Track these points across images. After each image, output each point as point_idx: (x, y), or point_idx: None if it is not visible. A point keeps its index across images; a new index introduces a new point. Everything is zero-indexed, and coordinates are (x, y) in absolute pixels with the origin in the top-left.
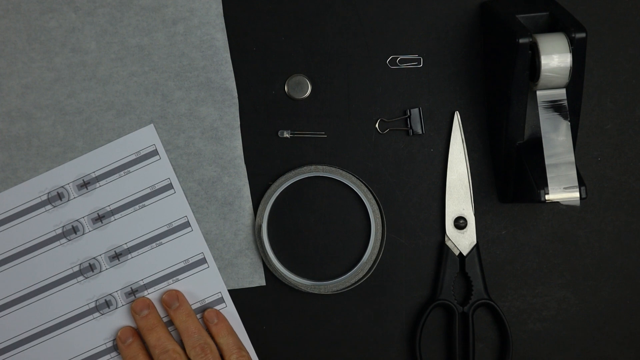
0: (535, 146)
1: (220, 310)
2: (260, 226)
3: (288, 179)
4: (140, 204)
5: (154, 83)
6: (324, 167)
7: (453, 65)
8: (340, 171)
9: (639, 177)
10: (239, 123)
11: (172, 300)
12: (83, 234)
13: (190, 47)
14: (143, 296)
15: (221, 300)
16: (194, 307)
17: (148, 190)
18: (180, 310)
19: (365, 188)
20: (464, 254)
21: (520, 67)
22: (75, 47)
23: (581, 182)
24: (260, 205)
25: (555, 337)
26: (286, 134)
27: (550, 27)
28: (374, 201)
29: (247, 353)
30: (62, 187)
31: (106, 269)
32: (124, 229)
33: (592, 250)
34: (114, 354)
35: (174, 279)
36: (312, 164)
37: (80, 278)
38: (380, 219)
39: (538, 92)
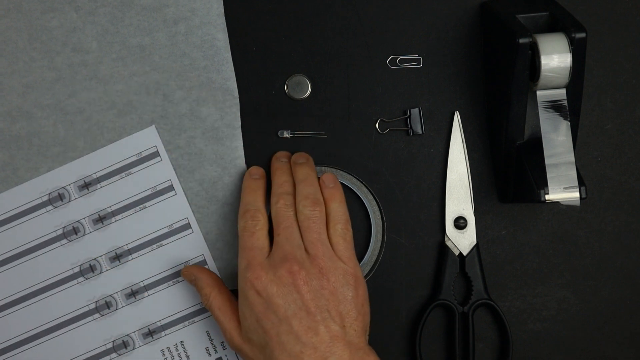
0: (535, 146)
1: None
2: None
3: None
4: (141, 206)
5: (155, 83)
6: (324, 167)
7: (453, 65)
8: (341, 172)
9: (639, 177)
10: (240, 123)
11: (301, 157)
12: (84, 235)
13: (192, 47)
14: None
15: None
16: (193, 308)
17: (149, 192)
18: (307, 165)
19: (366, 189)
20: (464, 254)
21: (520, 67)
22: (76, 46)
23: (581, 182)
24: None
25: (555, 337)
26: (286, 134)
27: (550, 27)
28: (374, 202)
29: (352, 231)
30: (63, 187)
31: (107, 270)
32: (124, 230)
33: (592, 250)
34: (114, 355)
35: (175, 280)
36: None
37: (81, 279)
38: (380, 220)
39: (538, 92)
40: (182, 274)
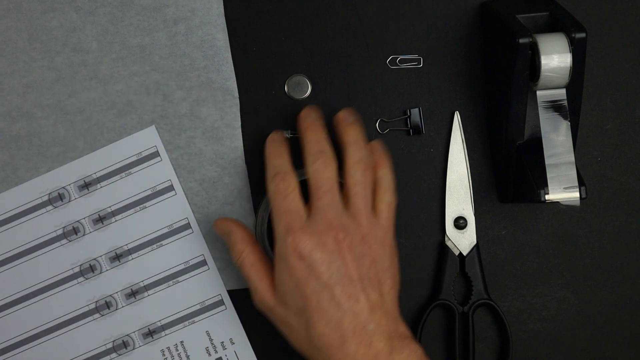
0: (535, 146)
1: (220, 312)
2: (261, 228)
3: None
4: (141, 206)
5: (155, 83)
6: None
7: (453, 65)
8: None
9: (639, 177)
10: (240, 123)
11: (350, 115)
12: (84, 235)
13: (192, 47)
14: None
15: (221, 302)
16: (193, 308)
17: (149, 192)
18: (357, 125)
19: None
20: (464, 254)
21: (520, 67)
22: (76, 46)
23: (581, 182)
24: (261, 207)
25: (555, 337)
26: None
27: (550, 27)
28: None
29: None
30: (63, 187)
31: (107, 270)
32: (124, 230)
33: (592, 250)
34: (114, 355)
35: (174, 280)
36: None
37: (81, 279)
38: None
39: (538, 92)
40: (214, 225)
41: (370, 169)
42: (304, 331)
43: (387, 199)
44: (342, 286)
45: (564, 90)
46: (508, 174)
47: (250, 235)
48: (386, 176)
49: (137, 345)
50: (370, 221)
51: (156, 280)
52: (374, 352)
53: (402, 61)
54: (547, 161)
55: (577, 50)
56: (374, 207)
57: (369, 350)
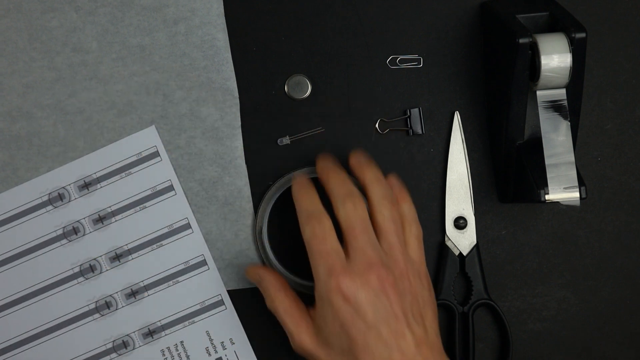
0: (535, 146)
1: (220, 313)
2: (261, 228)
3: (289, 181)
4: (141, 206)
5: (155, 83)
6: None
7: (453, 65)
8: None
9: (639, 177)
10: (240, 123)
11: (362, 156)
12: (84, 235)
13: (192, 47)
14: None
15: (221, 302)
16: (193, 308)
17: (149, 192)
18: (373, 164)
19: None
20: (464, 254)
21: (520, 67)
22: (76, 46)
23: (581, 182)
24: (261, 207)
25: (555, 337)
26: (285, 141)
27: (550, 27)
28: None
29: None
30: (63, 187)
31: (106, 270)
32: (124, 230)
33: (592, 250)
34: (114, 355)
35: (174, 280)
36: (313, 164)
37: (81, 279)
38: None
39: (538, 92)
40: (246, 273)
41: (395, 204)
42: None
43: (414, 231)
44: (388, 324)
45: (564, 90)
46: (508, 174)
47: (282, 280)
48: (410, 210)
49: (137, 345)
50: (405, 256)
51: (156, 280)
52: None
53: (402, 61)
54: (547, 161)
55: (577, 50)
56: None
57: None
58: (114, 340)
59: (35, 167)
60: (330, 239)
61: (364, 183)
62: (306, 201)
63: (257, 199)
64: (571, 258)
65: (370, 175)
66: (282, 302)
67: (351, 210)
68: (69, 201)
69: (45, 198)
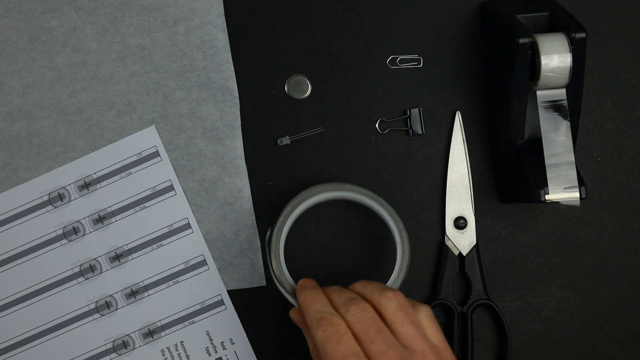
0: (535, 146)
1: (220, 312)
2: (277, 243)
3: (311, 198)
4: (141, 206)
5: (155, 83)
6: (348, 186)
7: (453, 65)
8: (365, 196)
9: (639, 177)
10: (239, 123)
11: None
12: (84, 235)
13: (192, 47)
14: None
15: (221, 302)
16: (193, 308)
17: (149, 192)
18: (362, 281)
19: (394, 213)
20: (464, 254)
21: (520, 67)
22: (76, 46)
23: (581, 182)
24: (279, 221)
25: (555, 337)
26: (285, 141)
27: (550, 27)
28: (402, 226)
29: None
30: (63, 187)
31: (106, 270)
32: (124, 230)
33: (592, 250)
34: (114, 355)
35: (174, 280)
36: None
37: (81, 279)
38: (407, 246)
39: (538, 92)
40: (290, 314)
41: (395, 291)
42: None
43: (423, 312)
44: None
45: (564, 90)
46: (508, 174)
47: None
48: (404, 298)
49: (137, 345)
50: (426, 342)
51: (156, 280)
52: None
53: (402, 61)
54: (547, 161)
55: (577, 50)
56: (420, 325)
57: None
58: (114, 340)
59: (35, 167)
60: (346, 341)
61: (357, 290)
62: (313, 304)
63: (257, 198)
64: (571, 258)
65: (357, 284)
66: None
67: (358, 314)
68: (69, 201)
69: (46, 198)
